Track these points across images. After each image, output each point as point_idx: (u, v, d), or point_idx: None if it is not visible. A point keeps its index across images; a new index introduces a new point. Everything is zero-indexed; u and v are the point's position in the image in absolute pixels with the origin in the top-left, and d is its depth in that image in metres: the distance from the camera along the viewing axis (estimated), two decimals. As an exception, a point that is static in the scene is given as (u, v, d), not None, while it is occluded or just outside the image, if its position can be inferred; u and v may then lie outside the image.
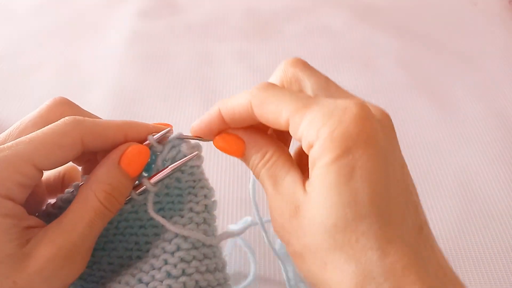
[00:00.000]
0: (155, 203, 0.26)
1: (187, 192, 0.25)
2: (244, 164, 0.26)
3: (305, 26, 0.68)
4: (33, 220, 0.23)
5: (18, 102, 0.56)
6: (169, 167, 0.25)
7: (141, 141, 0.25)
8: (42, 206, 0.26)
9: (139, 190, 0.25)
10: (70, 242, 0.22)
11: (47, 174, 0.28)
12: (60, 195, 0.25)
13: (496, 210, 0.44)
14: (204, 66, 0.61)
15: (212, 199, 0.26)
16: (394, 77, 0.59)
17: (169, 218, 0.25)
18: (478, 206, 0.45)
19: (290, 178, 0.23)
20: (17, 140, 0.22)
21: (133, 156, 0.24)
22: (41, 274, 0.21)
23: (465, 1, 0.72)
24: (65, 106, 0.26)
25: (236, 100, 0.24)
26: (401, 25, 0.68)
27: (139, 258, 0.26)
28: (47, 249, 0.21)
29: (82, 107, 0.27)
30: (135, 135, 0.25)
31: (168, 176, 0.25)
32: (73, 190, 0.25)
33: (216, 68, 0.61)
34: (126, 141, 0.25)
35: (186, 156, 0.25)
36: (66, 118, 0.23)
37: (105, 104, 0.54)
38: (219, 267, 0.25)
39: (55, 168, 0.23)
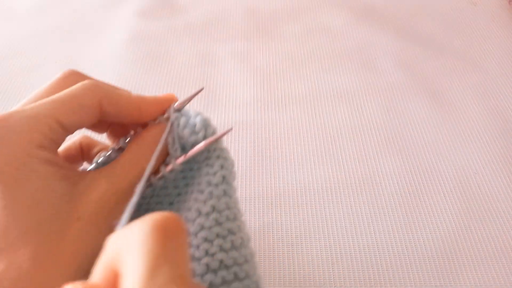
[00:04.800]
0: (181, 178, 0.25)
1: (204, 164, 0.25)
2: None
3: (305, 26, 0.68)
4: (66, 163, 0.23)
5: (18, 102, 0.55)
6: (200, 145, 0.24)
7: (154, 116, 0.26)
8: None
9: (168, 169, 0.25)
10: (125, 185, 0.23)
11: (67, 145, 0.29)
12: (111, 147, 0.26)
13: (496, 210, 0.44)
14: (204, 66, 0.61)
15: (231, 169, 0.25)
16: (394, 77, 0.59)
17: (191, 194, 0.24)
18: (478, 206, 0.45)
19: None
20: (39, 101, 0.23)
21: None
22: (101, 209, 0.22)
23: (465, 1, 0.72)
24: (78, 76, 0.26)
25: None
26: (401, 25, 0.68)
27: None
28: (105, 187, 0.22)
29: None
30: (149, 110, 0.26)
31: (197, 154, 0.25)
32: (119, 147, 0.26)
33: (216, 68, 0.61)
34: (140, 113, 0.25)
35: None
36: (85, 81, 0.24)
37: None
38: (245, 243, 0.24)
39: (76, 129, 0.24)
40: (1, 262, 0.19)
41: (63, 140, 0.24)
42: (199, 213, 0.23)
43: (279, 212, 0.44)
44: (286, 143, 0.51)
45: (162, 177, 0.25)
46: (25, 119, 0.22)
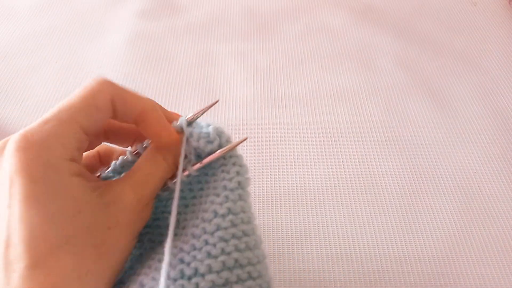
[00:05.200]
0: (196, 183, 0.27)
1: (220, 170, 0.26)
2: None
3: (305, 26, 0.68)
4: (93, 176, 0.24)
5: (18, 102, 0.56)
6: (216, 153, 0.26)
7: (155, 125, 0.26)
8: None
9: (185, 174, 0.26)
10: (149, 190, 0.24)
11: (86, 154, 0.30)
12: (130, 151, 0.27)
13: (496, 210, 0.45)
14: (204, 66, 0.61)
15: (246, 176, 0.26)
16: (393, 77, 0.59)
17: (206, 197, 0.26)
18: (478, 206, 0.45)
19: None
20: (57, 108, 0.23)
21: None
22: (130, 217, 0.23)
23: (465, 1, 0.72)
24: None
25: None
26: (401, 25, 0.68)
27: (176, 235, 0.26)
28: (131, 196, 0.23)
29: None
30: (151, 112, 0.26)
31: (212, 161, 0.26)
32: (136, 151, 0.27)
33: (216, 68, 0.61)
34: (143, 115, 0.26)
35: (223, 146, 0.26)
36: (97, 78, 0.24)
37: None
38: (258, 244, 0.25)
39: (95, 131, 0.24)
40: (41, 271, 0.20)
41: (86, 146, 0.24)
42: (216, 214, 0.24)
43: (279, 212, 0.44)
44: (286, 142, 0.51)
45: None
46: (53, 130, 0.22)
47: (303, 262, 0.40)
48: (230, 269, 0.23)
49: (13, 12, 0.71)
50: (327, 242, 0.42)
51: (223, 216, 0.24)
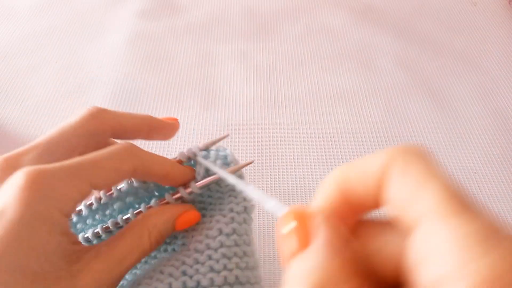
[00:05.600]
0: (198, 202, 0.28)
1: (228, 195, 0.27)
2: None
3: (305, 26, 0.68)
4: (75, 237, 0.23)
5: (18, 102, 0.56)
6: (219, 173, 0.27)
7: (180, 181, 0.27)
8: None
9: (188, 191, 0.27)
10: (118, 271, 0.23)
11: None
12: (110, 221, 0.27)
13: (496, 210, 0.45)
14: (204, 66, 0.61)
15: (251, 203, 0.27)
16: (394, 77, 0.59)
17: (210, 217, 0.27)
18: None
19: None
20: (78, 159, 0.23)
21: (188, 221, 0.26)
22: None
23: (465, 1, 0.72)
24: (105, 113, 0.27)
25: (363, 164, 0.16)
26: (401, 25, 0.68)
27: (174, 250, 0.28)
28: (97, 273, 0.22)
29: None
30: (174, 179, 0.27)
31: (214, 182, 0.27)
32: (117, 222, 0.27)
33: (216, 68, 0.61)
34: (166, 180, 0.26)
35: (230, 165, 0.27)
36: (124, 145, 0.25)
37: (105, 104, 0.54)
38: (256, 266, 0.26)
39: (103, 189, 0.24)
40: None
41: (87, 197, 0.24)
42: (221, 232, 0.26)
43: (279, 212, 0.44)
44: (286, 143, 0.51)
45: (180, 198, 0.27)
46: (67, 180, 0.22)
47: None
48: (230, 285, 0.24)
49: (13, 12, 0.71)
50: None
51: (228, 235, 0.25)
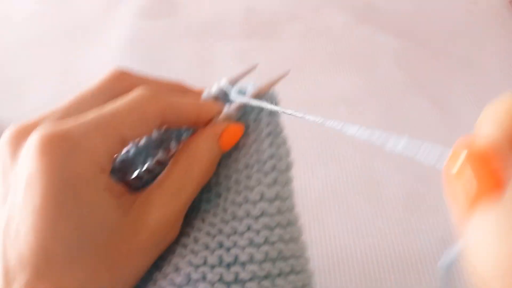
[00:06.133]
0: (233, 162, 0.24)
1: (268, 143, 0.24)
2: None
3: (305, 26, 0.68)
4: (120, 187, 0.22)
5: (18, 103, 0.56)
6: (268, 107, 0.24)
7: (206, 124, 0.25)
8: None
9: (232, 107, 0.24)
10: (178, 208, 0.22)
11: None
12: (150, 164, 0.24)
13: (496, 211, 0.45)
14: (204, 66, 0.61)
15: (291, 158, 0.24)
16: (394, 78, 0.59)
17: (246, 168, 0.23)
18: (478, 206, 0.45)
19: None
20: (99, 114, 0.21)
21: (231, 137, 0.24)
22: (153, 239, 0.21)
23: (465, 1, 0.72)
24: (128, 76, 0.25)
25: None
26: (401, 26, 0.68)
27: (210, 207, 0.24)
28: (158, 215, 0.21)
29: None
30: (206, 116, 0.25)
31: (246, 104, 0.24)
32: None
33: (216, 68, 0.61)
34: (198, 120, 0.24)
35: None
36: (144, 92, 0.22)
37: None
38: (300, 235, 0.23)
39: (133, 141, 0.23)
40: (44, 285, 0.18)
41: (117, 154, 0.23)
42: (262, 196, 0.22)
43: (279, 213, 0.44)
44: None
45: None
46: (91, 133, 0.20)
47: (303, 262, 0.40)
48: (272, 260, 0.21)
49: (13, 12, 0.71)
50: (327, 242, 0.42)
51: (270, 201, 0.22)
